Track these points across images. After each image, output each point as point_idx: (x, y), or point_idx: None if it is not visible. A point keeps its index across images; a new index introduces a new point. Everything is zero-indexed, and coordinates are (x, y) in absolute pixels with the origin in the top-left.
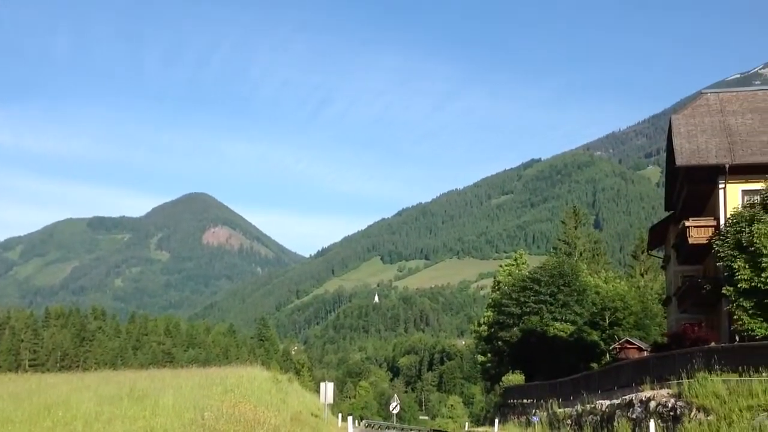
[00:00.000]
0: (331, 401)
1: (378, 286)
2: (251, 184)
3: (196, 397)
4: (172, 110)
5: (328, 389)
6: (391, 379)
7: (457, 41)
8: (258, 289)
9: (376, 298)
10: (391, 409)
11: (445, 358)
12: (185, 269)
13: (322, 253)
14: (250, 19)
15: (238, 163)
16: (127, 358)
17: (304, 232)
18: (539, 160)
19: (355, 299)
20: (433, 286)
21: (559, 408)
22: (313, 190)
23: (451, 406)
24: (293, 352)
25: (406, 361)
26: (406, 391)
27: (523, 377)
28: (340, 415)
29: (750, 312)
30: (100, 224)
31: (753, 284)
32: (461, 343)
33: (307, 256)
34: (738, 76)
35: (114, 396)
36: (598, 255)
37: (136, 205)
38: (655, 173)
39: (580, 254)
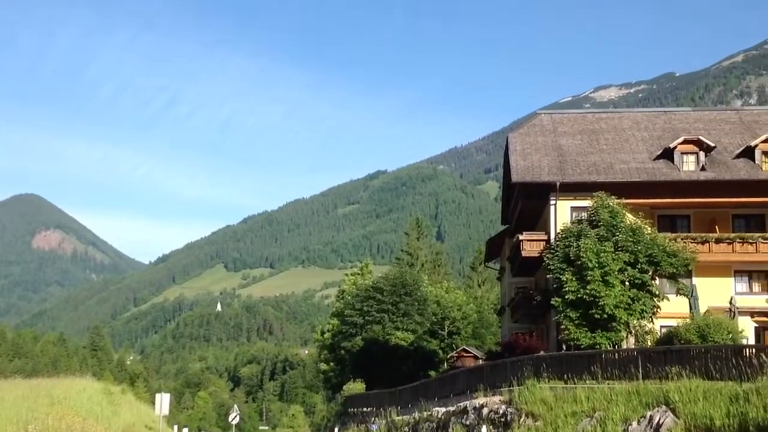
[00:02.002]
0: (167, 413)
1: (221, 294)
2: (88, 186)
3: (19, 410)
4: (1, 105)
5: (163, 400)
6: (232, 389)
7: (308, 50)
8: (92, 296)
9: (219, 307)
10: (230, 419)
11: (287, 368)
12: (12, 274)
13: (163, 259)
14: (90, 13)
15: (74, 163)
16: None
17: (144, 238)
18: (385, 172)
19: (197, 307)
20: (277, 294)
21: (398, 416)
22: (156, 194)
23: (293, 415)
24: (128, 362)
25: (248, 371)
26: (246, 402)
27: (364, 386)
28: (176, 426)
29: (576, 322)
30: None
31: (579, 296)
32: (304, 352)
33: (147, 262)
34: (570, 98)
35: None
36: (439, 266)
37: None
38: (493, 188)
39: (422, 265)
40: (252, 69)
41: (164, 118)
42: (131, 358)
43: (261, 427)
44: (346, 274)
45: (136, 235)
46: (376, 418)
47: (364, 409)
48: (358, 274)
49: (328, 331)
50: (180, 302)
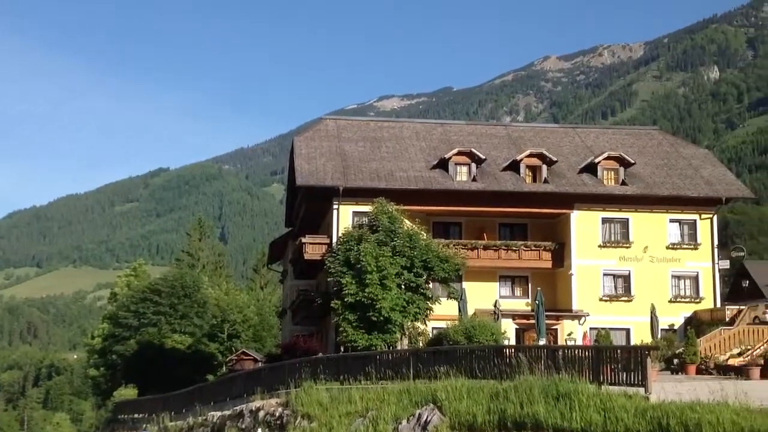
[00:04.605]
0: None
1: None
2: None
3: None
4: None
5: None
6: None
7: (84, 39)
8: None
9: None
10: None
11: (53, 373)
12: None
13: None
14: None
15: None
16: None
17: None
18: (167, 169)
19: None
20: (44, 295)
21: (171, 421)
22: None
23: (57, 423)
24: None
25: (8, 377)
26: (6, 410)
27: (137, 391)
28: None
29: (354, 324)
30: None
31: (358, 299)
32: (73, 357)
33: None
34: (355, 106)
35: None
36: (221, 267)
37: None
38: (279, 190)
39: (204, 266)
40: (19, 51)
41: None
42: None
43: None
44: (119, 276)
45: None
46: (148, 425)
47: (136, 416)
48: (132, 275)
49: (99, 336)
50: None
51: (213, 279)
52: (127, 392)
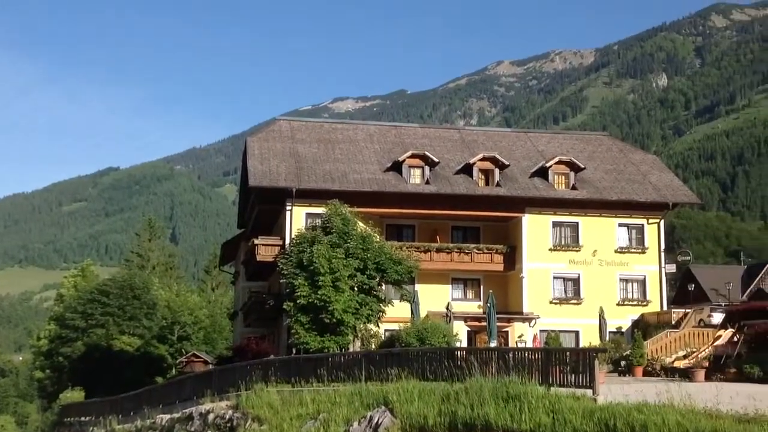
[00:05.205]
0: None
1: None
2: None
3: None
4: None
5: None
6: None
7: (31, 39)
8: None
9: None
10: None
11: None
12: None
13: None
14: None
15: None
16: None
17: None
18: (117, 169)
19: None
20: None
21: (119, 424)
22: None
23: (2, 426)
24: None
25: None
26: None
27: (84, 394)
28: None
29: (306, 326)
30: None
31: (310, 300)
32: (18, 358)
33: None
34: (310, 107)
35: None
36: (171, 269)
37: None
38: (231, 191)
39: (154, 267)
40: None
41: None
42: None
43: None
44: (66, 277)
45: None
46: (95, 428)
47: (83, 419)
48: (79, 275)
49: (45, 337)
50: None
51: (163, 280)
52: (73, 395)
